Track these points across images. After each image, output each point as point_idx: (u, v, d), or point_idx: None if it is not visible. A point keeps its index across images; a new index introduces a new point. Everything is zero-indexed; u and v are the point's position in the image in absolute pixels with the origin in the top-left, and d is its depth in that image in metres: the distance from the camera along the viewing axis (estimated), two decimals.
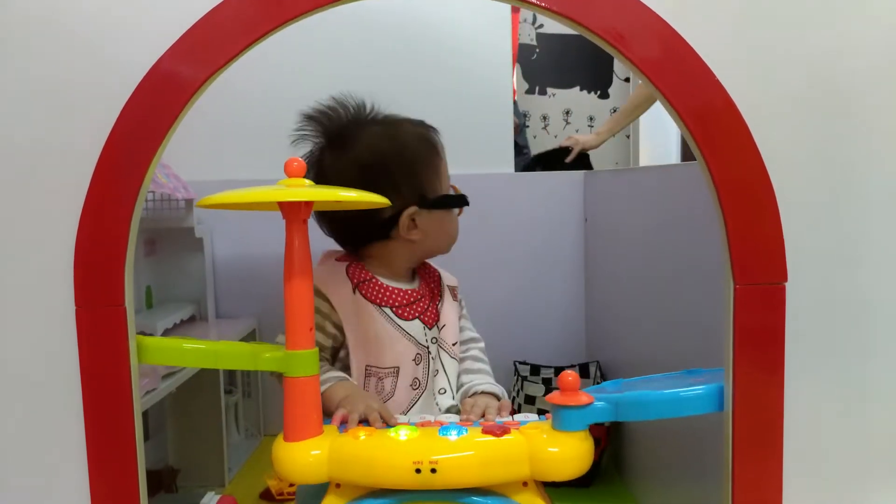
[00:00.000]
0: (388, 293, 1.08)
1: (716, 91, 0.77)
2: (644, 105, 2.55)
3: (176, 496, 1.73)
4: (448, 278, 1.18)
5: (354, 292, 1.06)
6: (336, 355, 1.08)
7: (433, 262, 1.18)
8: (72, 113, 0.78)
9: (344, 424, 0.90)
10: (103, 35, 0.78)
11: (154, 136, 0.77)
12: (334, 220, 1.12)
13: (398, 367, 1.07)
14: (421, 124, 1.14)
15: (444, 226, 1.12)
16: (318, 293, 1.04)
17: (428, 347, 1.09)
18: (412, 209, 1.07)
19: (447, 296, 1.15)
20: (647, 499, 1.65)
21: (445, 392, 1.10)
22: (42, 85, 0.78)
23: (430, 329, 1.10)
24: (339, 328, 1.06)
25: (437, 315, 1.11)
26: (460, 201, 1.13)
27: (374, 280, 1.08)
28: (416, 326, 1.08)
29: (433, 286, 1.14)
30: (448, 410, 1.08)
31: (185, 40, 0.77)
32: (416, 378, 1.08)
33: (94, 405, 0.79)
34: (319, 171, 1.10)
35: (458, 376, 1.14)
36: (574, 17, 0.77)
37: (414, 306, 1.09)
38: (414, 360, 1.08)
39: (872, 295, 0.80)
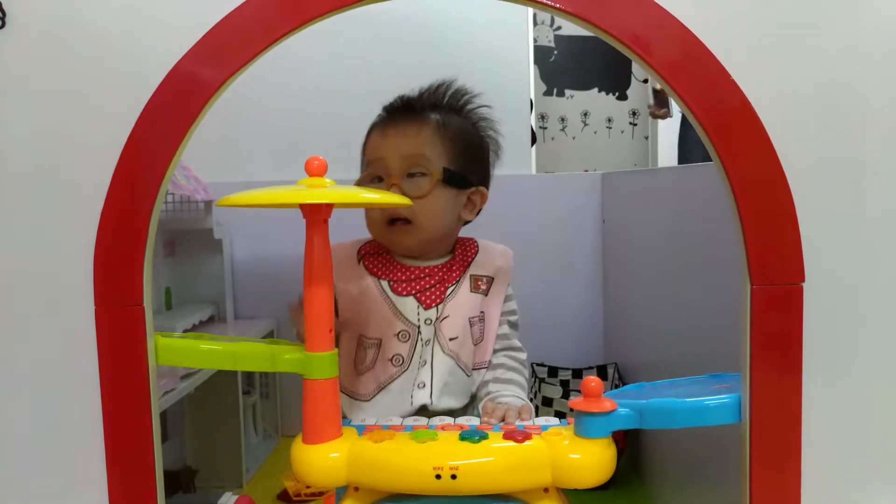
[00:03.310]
0: (390, 266, 1.10)
1: (733, 93, 0.76)
2: None
3: (194, 496, 1.74)
4: (483, 266, 1.13)
5: (359, 263, 1.11)
6: None
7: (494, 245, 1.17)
8: (92, 113, 0.78)
9: (362, 425, 0.88)
10: (124, 36, 0.79)
11: (174, 136, 0.78)
12: None
13: (380, 339, 1.08)
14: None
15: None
16: None
17: (419, 328, 1.07)
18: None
19: (464, 284, 1.10)
20: (666, 502, 1.64)
21: (424, 387, 1.07)
22: (63, 84, 0.79)
23: (425, 310, 1.08)
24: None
25: (441, 298, 1.09)
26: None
27: (384, 255, 1.11)
28: (408, 303, 1.08)
29: (455, 270, 1.11)
30: (422, 409, 1.06)
31: (206, 41, 0.77)
32: (399, 355, 1.07)
33: (112, 405, 0.79)
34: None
35: (487, 384, 1.11)
36: (591, 20, 0.77)
37: (413, 283, 1.09)
38: (398, 335, 1.07)
39: (891, 295, 0.79)
